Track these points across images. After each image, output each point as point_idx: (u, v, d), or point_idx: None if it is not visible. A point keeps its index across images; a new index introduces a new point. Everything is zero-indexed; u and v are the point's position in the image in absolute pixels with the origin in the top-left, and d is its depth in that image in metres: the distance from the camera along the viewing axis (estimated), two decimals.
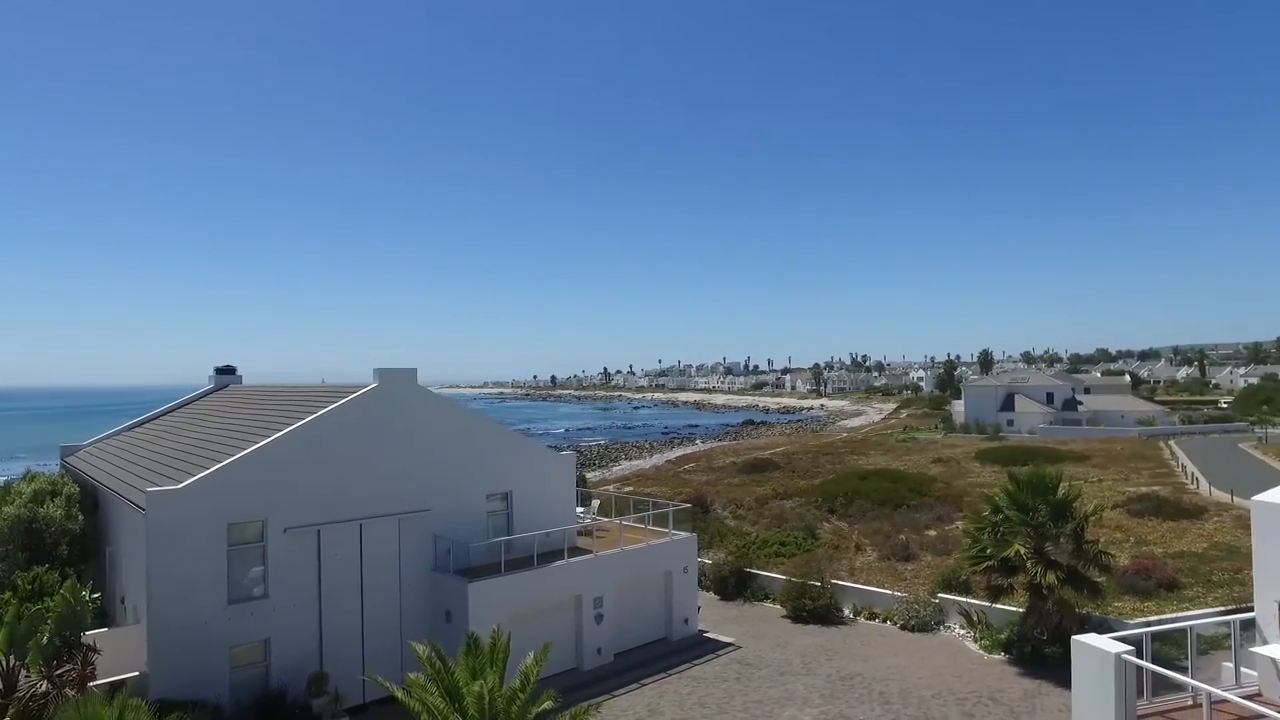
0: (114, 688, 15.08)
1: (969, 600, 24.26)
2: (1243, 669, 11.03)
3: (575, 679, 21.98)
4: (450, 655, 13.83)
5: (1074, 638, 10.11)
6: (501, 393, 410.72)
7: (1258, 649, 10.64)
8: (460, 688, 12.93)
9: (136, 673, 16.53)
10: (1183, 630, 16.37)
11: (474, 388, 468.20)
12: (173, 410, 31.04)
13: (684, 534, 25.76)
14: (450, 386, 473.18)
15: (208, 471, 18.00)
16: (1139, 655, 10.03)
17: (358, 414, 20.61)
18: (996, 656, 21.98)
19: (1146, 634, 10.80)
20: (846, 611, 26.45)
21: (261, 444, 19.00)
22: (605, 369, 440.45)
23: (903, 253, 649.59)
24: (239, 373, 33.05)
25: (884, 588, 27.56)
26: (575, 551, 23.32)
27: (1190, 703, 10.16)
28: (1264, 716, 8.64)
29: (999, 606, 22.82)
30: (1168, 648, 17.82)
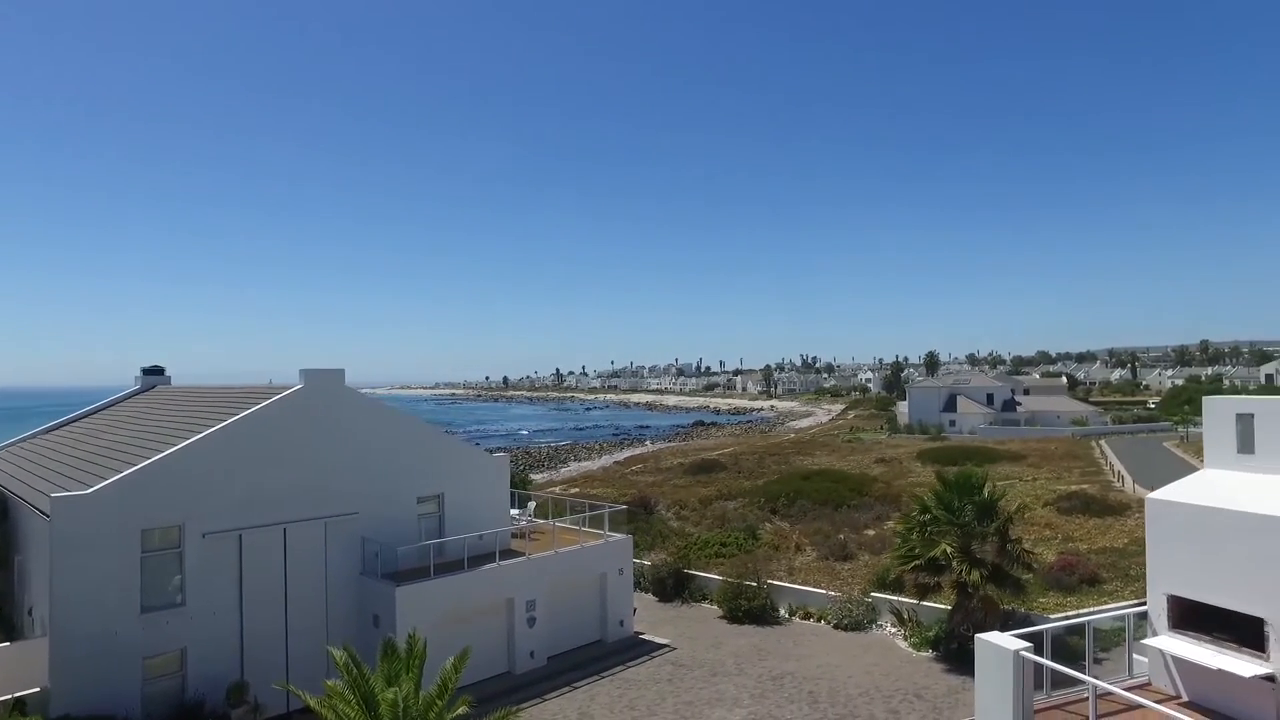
0: (5, 706, 14.43)
1: (900, 599, 24.63)
2: (1137, 658, 11.42)
3: (507, 682, 21.81)
4: (374, 662, 13.61)
5: (978, 636, 10.33)
6: (453, 394, 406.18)
7: (1147, 641, 11.01)
8: (376, 695, 12.69)
9: (38, 688, 15.86)
10: (1103, 625, 17.01)
11: (426, 389, 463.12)
12: (95, 412, 29.93)
13: (620, 536, 25.70)
14: (402, 387, 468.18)
15: (119, 476, 17.37)
16: (1040, 651, 10.29)
17: (282, 416, 20.13)
18: (925, 654, 22.38)
19: (1046, 630, 11.08)
20: (782, 611, 26.67)
21: (178, 447, 18.42)
22: (558, 370, 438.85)
23: (855, 256, 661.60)
24: (168, 373, 32.04)
25: (821, 587, 27.88)
26: (508, 554, 23.11)
27: (1086, 695, 10.47)
28: (1142, 705, 8.94)
29: (929, 604, 23.22)
30: (1084, 641, 18.37)
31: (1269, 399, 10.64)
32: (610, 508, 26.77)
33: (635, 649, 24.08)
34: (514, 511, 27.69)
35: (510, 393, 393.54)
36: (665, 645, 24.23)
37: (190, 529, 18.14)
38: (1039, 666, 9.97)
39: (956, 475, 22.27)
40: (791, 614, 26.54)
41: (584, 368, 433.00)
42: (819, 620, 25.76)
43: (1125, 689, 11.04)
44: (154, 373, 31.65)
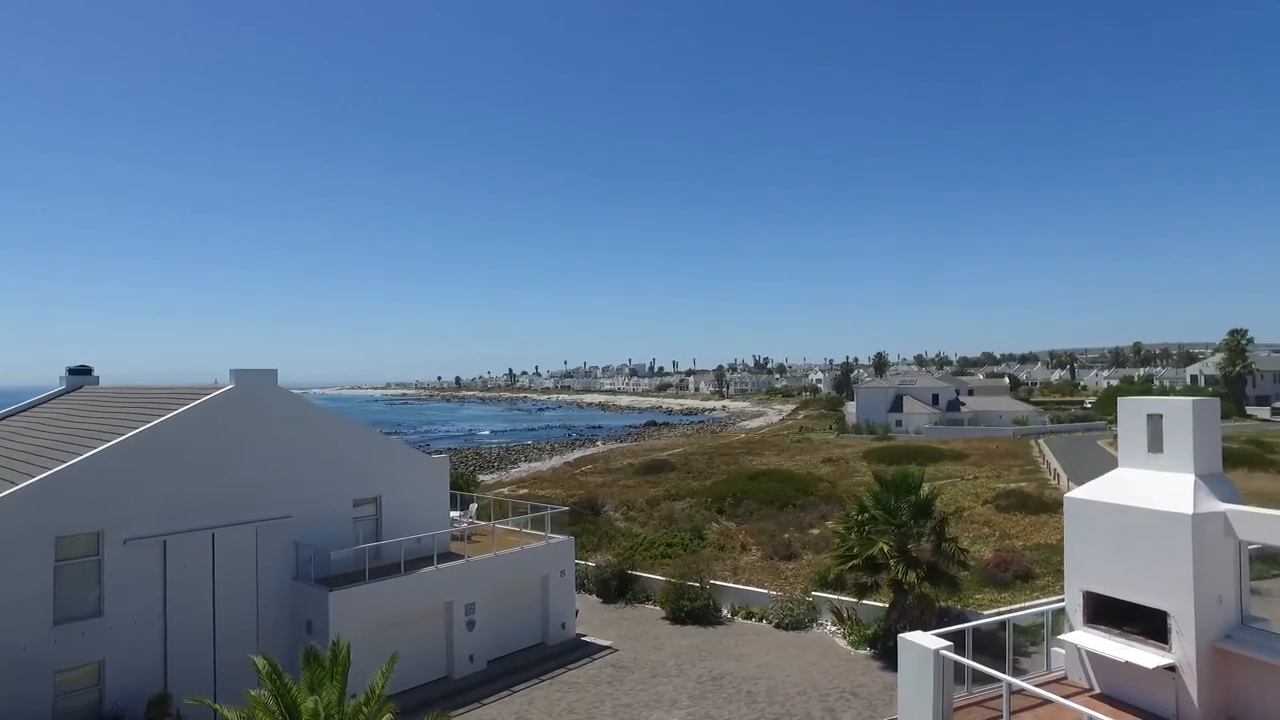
0: None
1: (841, 598, 24.91)
2: (1057, 653, 11.69)
3: (445, 687, 21.53)
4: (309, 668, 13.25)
5: (900, 636, 10.43)
6: (405, 394, 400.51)
7: (1063, 636, 11.28)
8: (298, 704, 12.37)
9: None
10: (1026, 621, 17.38)
11: (377, 389, 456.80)
12: (14, 414, 28.66)
13: (561, 537, 25.54)
14: (353, 388, 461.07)
15: (31, 481, 16.64)
16: (962, 649, 10.47)
17: (211, 417, 19.56)
18: (863, 652, 22.67)
19: (968, 629, 11.27)
20: (725, 611, 26.79)
21: (98, 450, 17.73)
22: (511, 370, 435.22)
23: (806, 256, 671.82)
24: (96, 373, 30.83)
25: (764, 587, 28.06)
26: (448, 557, 22.82)
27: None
28: (1052, 701, 9.15)
29: (868, 603, 23.51)
30: (1017, 636, 18.77)
31: (1176, 399, 10.97)
32: (552, 509, 26.59)
33: (577, 651, 23.96)
34: (455, 514, 27.36)
35: (463, 393, 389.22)
36: (607, 647, 24.14)
37: (110, 535, 17.48)
38: (961, 664, 10.13)
39: (894, 475, 22.62)
40: (734, 614, 26.68)
41: (537, 368, 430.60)
42: (761, 620, 25.93)
43: (1042, 683, 11.30)
44: (80, 372, 30.43)
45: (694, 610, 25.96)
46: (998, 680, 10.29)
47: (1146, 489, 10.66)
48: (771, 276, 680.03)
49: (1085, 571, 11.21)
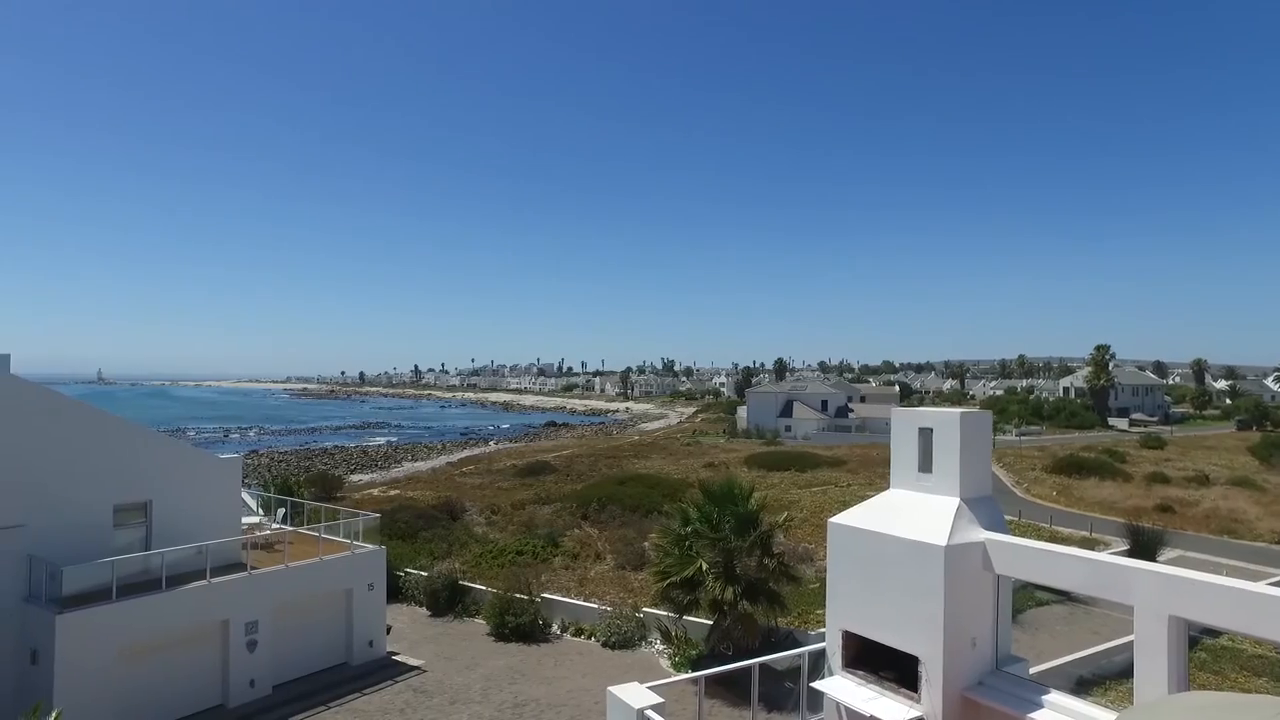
0: None
1: (669, 614, 23.50)
2: (826, 698, 10.32)
3: (217, 717, 19.06)
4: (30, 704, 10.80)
5: (608, 689, 8.81)
6: (305, 388, 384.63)
7: (818, 682, 9.91)
8: None
9: None
10: (793, 661, 16.16)
11: (276, 383, 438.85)
12: None
13: (371, 547, 23.25)
14: (251, 381, 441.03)
15: None
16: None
17: None
18: (685, 675, 21.23)
19: (701, 677, 9.78)
20: (555, 627, 25.02)
21: None
22: (416, 367, 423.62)
23: (718, 261, 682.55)
24: None
25: (604, 599, 26.48)
26: (232, 569, 20.30)
27: None
28: None
29: (697, 620, 22.17)
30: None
31: (946, 411, 9.73)
32: (366, 515, 24.25)
33: (381, 673, 21.78)
34: (254, 519, 24.78)
35: (366, 389, 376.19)
36: (416, 668, 22.05)
37: None
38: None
39: (720, 485, 21.34)
40: (565, 630, 24.94)
41: (444, 365, 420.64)
42: (590, 637, 24.27)
43: None
44: None
45: (519, 626, 24.08)
46: None
47: (909, 514, 9.37)
48: (681, 283, 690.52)
49: (845, 609, 9.88)
